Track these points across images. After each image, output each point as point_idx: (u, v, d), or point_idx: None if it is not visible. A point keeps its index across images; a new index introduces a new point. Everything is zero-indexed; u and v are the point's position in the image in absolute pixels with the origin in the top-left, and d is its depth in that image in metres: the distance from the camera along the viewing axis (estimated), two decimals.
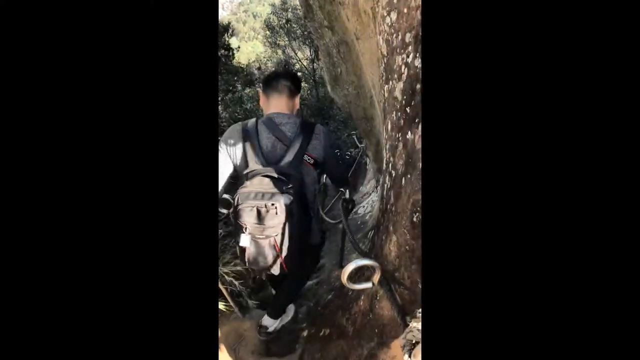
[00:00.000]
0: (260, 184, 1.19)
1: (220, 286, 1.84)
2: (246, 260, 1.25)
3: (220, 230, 2.29)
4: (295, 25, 9.18)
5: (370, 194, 3.99)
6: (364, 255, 1.26)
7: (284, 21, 9.13)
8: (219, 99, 5.64)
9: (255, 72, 8.48)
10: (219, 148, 1.31)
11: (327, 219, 3.29)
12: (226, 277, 1.97)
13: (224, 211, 1.35)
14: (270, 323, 1.76)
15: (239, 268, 2.02)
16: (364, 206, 3.72)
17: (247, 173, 1.22)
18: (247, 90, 7.10)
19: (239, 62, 7.03)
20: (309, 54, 9.79)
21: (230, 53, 5.96)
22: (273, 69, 9.54)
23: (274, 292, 2.03)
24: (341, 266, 2.51)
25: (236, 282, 1.94)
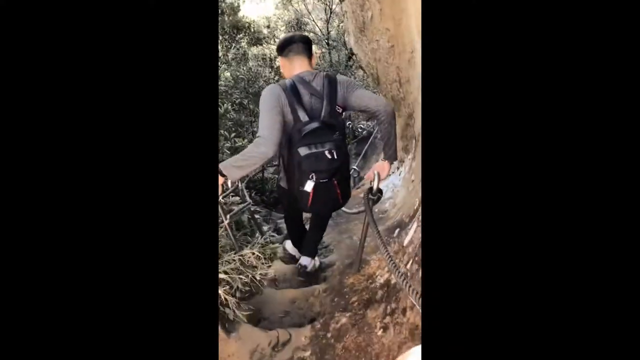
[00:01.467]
0: (314, 136, 1.36)
1: None
2: (308, 204, 1.43)
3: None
4: None
5: (389, 176, 3.43)
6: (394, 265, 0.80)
7: None
8: (219, 55, 4.98)
9: (264, 30, 7.69)
10: (267, 114, 1.36)
11: (345, 209, 2.75)
12: None
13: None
14: (308, 262, 2.05)
15: (223, 277, 1.51)
16: None
17: (301, 128, 1.36)
18: (253, 49, 6.39)
19: (245, 18, 6.28)
20: (323, 15, 8.96)
21: (236, 4, 5.22)
22: (284, 31, 8.85)
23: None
24: (358, 270, 2.01)
25: (222, 295, 1.44)
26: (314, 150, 1.35)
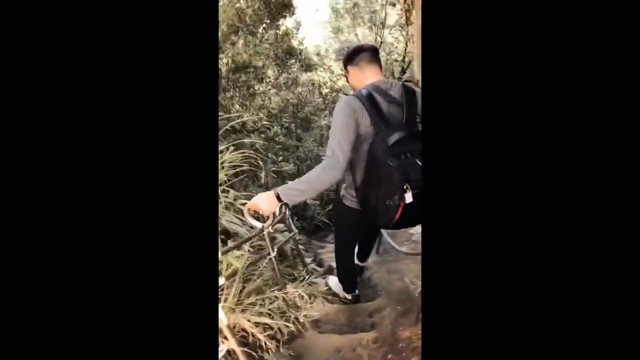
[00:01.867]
0: (401, 144, 1.29)
1: (237, 348, 1.18)
2: (395, 219, 1.32)
3: (248, 249, 1.64)
4: (362, 11, 8.47)
5: None
6: None
7: (350, 5, 8.42)
8: (272, 80, 5.08)
9: (314, 57, 7.84)
10: (340, 130, 1.30)
11: (395, 245, 2.60)
12: (253, 330, 1.30)
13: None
14: (365, 263, 2.25)
15: (265, 320, 1.35)
16: None
17: (386, 138, 1.29)
18: (304, 75, 6.49)
19: (300, 43, 6.44)
20: (373, 43, 9.06)
21: (290, 31, 5.37)
22: (334, 58, 9.07)
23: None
24: (416, 322, 1.77)
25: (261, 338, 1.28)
26: (404, 160, 1.27)
